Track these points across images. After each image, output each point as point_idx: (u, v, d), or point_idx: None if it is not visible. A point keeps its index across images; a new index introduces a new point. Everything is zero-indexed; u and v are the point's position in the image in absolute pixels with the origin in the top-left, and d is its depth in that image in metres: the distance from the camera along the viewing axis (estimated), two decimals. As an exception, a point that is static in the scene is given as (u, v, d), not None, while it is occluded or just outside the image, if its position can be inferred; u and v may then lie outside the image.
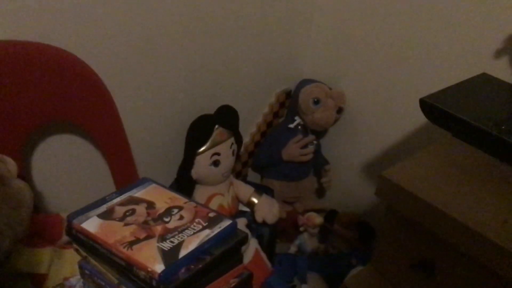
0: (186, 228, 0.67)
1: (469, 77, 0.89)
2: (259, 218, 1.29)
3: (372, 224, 1.33)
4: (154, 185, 0.77)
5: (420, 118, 1.23)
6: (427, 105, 0.79)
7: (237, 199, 1.32)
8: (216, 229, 0.68)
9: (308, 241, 1.32)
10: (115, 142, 0.97)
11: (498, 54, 1.02)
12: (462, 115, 0.75)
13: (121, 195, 0.74)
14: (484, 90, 0.85)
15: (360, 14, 1.28)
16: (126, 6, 0.97)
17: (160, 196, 0.74)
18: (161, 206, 0.72)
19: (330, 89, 1.35)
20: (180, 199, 0.74)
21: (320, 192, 1.55)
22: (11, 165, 0.77)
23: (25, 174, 0.93)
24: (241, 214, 1.32)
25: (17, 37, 0.84)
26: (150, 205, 0.72)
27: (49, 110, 0.88)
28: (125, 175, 1.02)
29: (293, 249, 1.34)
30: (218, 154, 1.19)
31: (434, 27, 1.13)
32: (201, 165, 1.19)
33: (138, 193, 0.75)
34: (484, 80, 0.88)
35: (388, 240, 0.77)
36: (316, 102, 1.31)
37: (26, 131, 0.88)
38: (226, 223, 0.70)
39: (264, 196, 1.32)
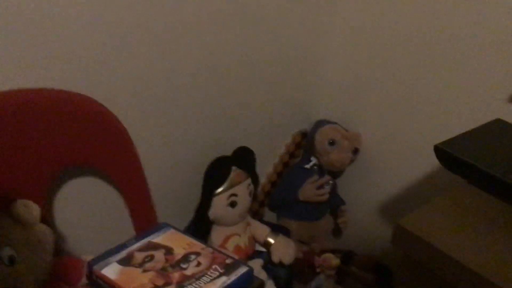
0: (203, 275, 0.69)
1: (483, 123, 0.90)
2: (275, 258, 1.29)
3: (389, 267, 1.31)
4: (172, 230, 0.79)
5: (435, 160, 1.23)
6: (441, 152, 0.80)
7: (253, 239, 1.32)
8: (233, 276, 0.69)
9: (325, 283, 1.31)
10: (135, 187, 1.00)
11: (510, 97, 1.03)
12: (475, 162, 0.75)
13: (140, 240, 0.76)
14: (498, 136, 0.85)
15: (373, 56, 1.31)
16: (147, 56, 1.01)
17: (178, 242, 0.76)
18: (179, 252, 0.73)
19: (346, 130, 1.37)
20: (197, 245, 0.76)
21: (337, 232, 1.54)
22: (35, 210, 0.80)
23: (48, 217, 0.95)
24: (258, 254, 1.33)
25: (45, 85, 0.88)
26: (169, 251, 0.73)
27: (72, 155, 0.91)
28: (145, 219, 1.04)
29: (309, 290, 1.34)
30: (235, 195, 1.21)
31: (448, 69, 1.15)
32: (219, 206, 1.20)
33: (156, 238, 0.77)
34: (499, 126, 0.89)
35: (405, 288, 0.77)
36: (332, 143, 1.33)
37: (50, 175, 0.91)
38: (243, 270, 0.71)
39: (281, 237, 1.32)
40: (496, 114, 1.05)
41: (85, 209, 1.04)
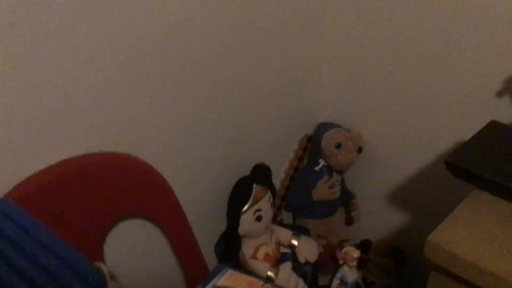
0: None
1: (480, 128, 1.01)
2: (301, 259, 1.41)
3: (404, 250, 1.45)
4: (230, 270, 0.89)
5: (431, 151, 1.36)
6: (452, 166, 0.91)
7: (279, 244, 1.44)
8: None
9: (348, 273, 1.44)
10: (181, 231, 1.10)
11: (500, 94, 1.15)
12: (486, 173, 0.87)
13: (206, 285, 0.85)
14: (499, 140, 0.97)
15: (370, 57, 1.40)
16: (171, 106, 1.10)
17: (240, 282, 0.86)
18: (243, 292, 0.83)
19: (348, 131, 1.47)
20: (257, 283, 0.86)
21: (349, 221, 1.67)
22: (104, 268, 0.89)
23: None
24: (284, 256, 1.44)
25: (100, 148, 0.98)
26: (234, 292, 0.83)
27: (124, 207, 1.00)
28: (193, 263, 1.14)
29: (335, 282, 1.46)
30: (259, 210, 1.31)
31: (444, 68, 1.25)
32: (246, 223, 1.31)
33: (219, 281, 0.86)
34: (496, 129, 1.00)
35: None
36: (338, 146, 1.44)
37: (105, 227, 1.00)
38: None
39: (303, 237, 1.44)
40: (488, 111, 1.17)
41: (135, 255, 1.14)
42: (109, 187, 0.95)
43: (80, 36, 0.88)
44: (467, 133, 1.25)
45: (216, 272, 0.87)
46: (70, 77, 0.90)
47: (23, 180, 0.85)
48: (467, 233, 0.81)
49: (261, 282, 0.86)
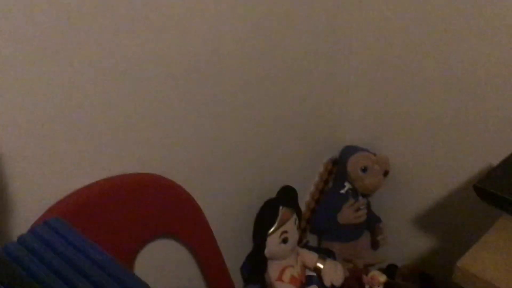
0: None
1: (510, 154, 1.01)
2: (327, 282, 1.41)
3: (431, 274, 1.44)
4: (259, 290, 0.90)
5: (457, 175, 1.36)
6: (481, 191, 0.91)
7: (304, 267, 1.44)
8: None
9: (375, 298, 1.43)
10: (209, 252, 1.12)
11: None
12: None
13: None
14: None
15: (396, 80, 1.41)
16: (198, 130, 1.13)
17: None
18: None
19: (374, 155, 1.48)
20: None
21: (375, 245, 1.66)
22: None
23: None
24: (309, 279, 1.44)
25: (134, 169, 1.01)
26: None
27: (156, 226, 1.02)
28: (220, 283, 1.16)
29: (361, 306, 1.46)
30: (286, 232, 1.32)
31: (471, 91, 1.26)
32: (273, 244, 1.32)
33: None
34: (525, 155, 1.00)
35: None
36: (364, 170, 1.44)
37: (137, 246, 1.02)
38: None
39: (328, 260, 1.44)
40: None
41: (163, 279, 1.16)
42: (142, 206, 0.98)
43: (118, 67, 0.93)
44: (495, 158, 1.26)
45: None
46: (113, 103, 0.95)
47: (64, 196, 0.89)
48: (498, 258, 0.81)
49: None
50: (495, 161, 1.24)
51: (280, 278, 1.36)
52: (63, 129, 0.89)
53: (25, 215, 0.87)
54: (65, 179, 0.92)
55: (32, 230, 0.67)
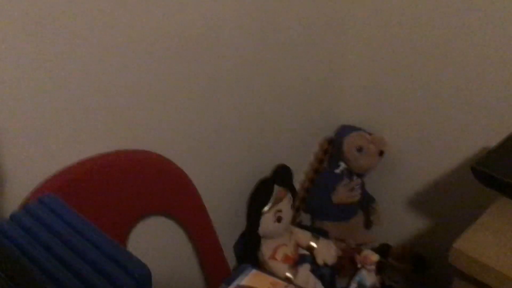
0: (293, 311, 0.79)
1: (507, 135, 1.00)
2: (320, 261, 1.41)
3: (424, 255, 1.45)
4: (254, 271, 0.89)
5: (453, 155, 1.36)
6: (479, 172, 0.91)
7: (297, 246, 1.44)
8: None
9: (367, 277, 1.44)
10: (203, 230, 1.11)
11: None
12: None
13: (229, 284, 0.86)
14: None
15: (393, 60, 1.40)
16: (194, 107, 1.11)
17: (263, 282, 0.86)
18: (266, 292, 0.84)
19: (370, 134, 1.47)
20: (281, 283, 0.86)
21: (368, 224, 1.67)
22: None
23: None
24: (302, 258, 1.45)
25: (128, 146, 1.00)
26: (257, 291, 0.84)
27: (149, 204, 1.01)
28: (215, 263, 1.15)
29: (353, 285, 1.46)
30: (280, 211, 1.32)
31: (468, 71, 1.25)
32: (267, 223, 1.31)
33: (243, 281, 0.87)
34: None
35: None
36: (359, 150, 1.44)
37: (129, 223, 1.01)
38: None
39: (321, 239, 1.45)
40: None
41: (156, 257, 1.15)
42: (135, 183, 0.97)
43: (113, 41, 0.90)
44: (492, 140, 1.25)
45: (240, 271, 0.88)
46: (106, 78, 0.92)
47: (55, 173, 0.88)
48: (494, 240, 0.81)
49: (285, 283, 0.86)
50: (491, 142, 1.24)
51: (273, 257, 1.36)
52: (55, 103, 0.87)
53: (17, 192, 0.86)
54: (56, 155, 0.90)
55: (25, 208, 0.66)
